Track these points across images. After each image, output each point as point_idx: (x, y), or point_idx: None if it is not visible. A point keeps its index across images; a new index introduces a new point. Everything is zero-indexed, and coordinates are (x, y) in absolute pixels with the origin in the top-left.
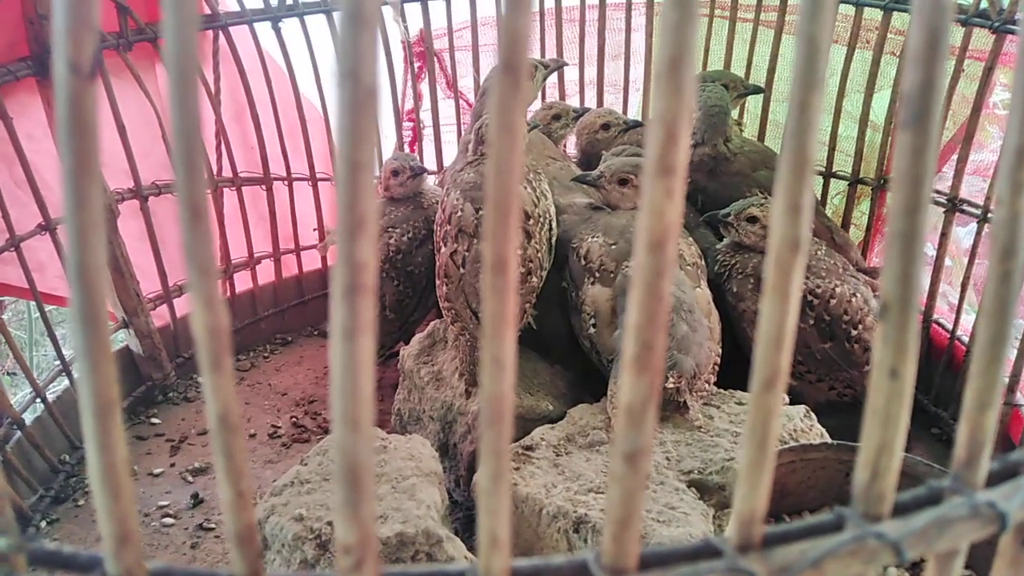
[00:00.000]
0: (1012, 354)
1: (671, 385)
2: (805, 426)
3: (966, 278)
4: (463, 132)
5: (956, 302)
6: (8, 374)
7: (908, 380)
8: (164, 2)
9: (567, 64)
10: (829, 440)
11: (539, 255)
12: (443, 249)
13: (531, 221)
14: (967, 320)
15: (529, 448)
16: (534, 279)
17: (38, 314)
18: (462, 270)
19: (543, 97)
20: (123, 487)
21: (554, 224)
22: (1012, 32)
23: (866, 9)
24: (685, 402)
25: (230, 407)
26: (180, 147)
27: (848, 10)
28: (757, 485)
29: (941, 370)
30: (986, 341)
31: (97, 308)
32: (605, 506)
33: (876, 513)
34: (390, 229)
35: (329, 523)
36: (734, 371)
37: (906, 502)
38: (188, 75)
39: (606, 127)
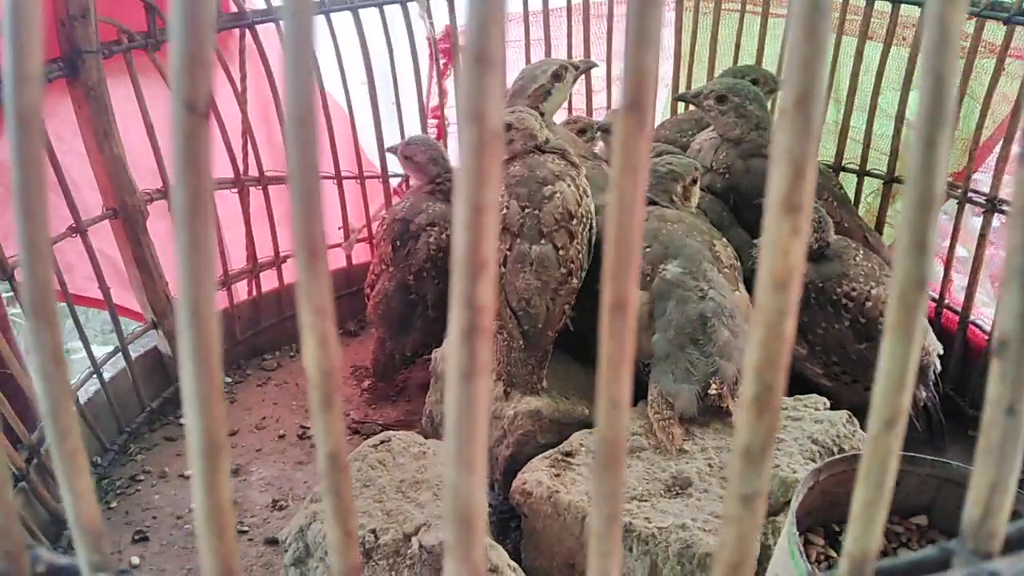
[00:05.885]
0: None
1: (713, 392)
2: (848, 432)
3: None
4: None
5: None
6: None
7: None
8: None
9: (596, 65)
10: None
11: (580, 256)
12: None
13: (574, 221)
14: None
15: (568, 454)
16: (574, 280)
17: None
18: (503, 268)
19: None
20: (227, 527)
21: (594, 223)
22: None
23: (903, 6)
24: (728, 408)
25: (341, 447)
26: (301, 215)
27: (884, 7)
28: (872, 526)
29: (979, 371)
30: None
31: (210, 349)
32: (716, 546)
33: (987, 551)
34: (429, 227)
35: (372, 531)
36: None
37: (1013, 538)
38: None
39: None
